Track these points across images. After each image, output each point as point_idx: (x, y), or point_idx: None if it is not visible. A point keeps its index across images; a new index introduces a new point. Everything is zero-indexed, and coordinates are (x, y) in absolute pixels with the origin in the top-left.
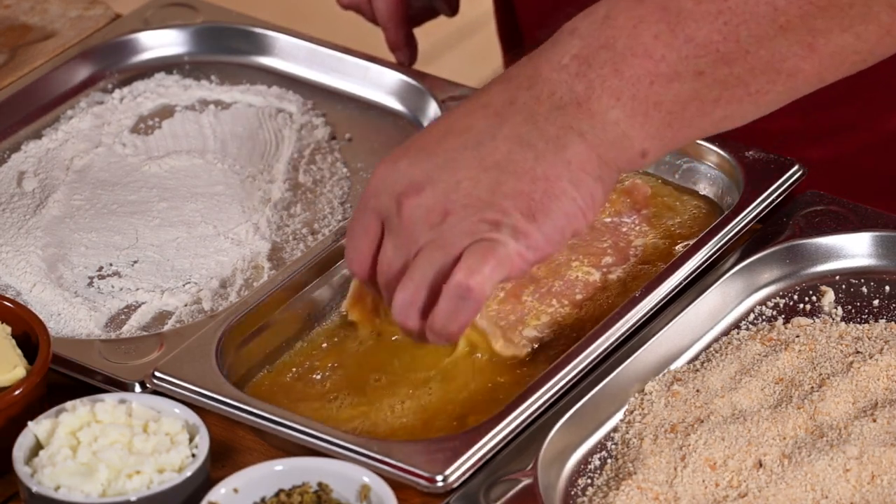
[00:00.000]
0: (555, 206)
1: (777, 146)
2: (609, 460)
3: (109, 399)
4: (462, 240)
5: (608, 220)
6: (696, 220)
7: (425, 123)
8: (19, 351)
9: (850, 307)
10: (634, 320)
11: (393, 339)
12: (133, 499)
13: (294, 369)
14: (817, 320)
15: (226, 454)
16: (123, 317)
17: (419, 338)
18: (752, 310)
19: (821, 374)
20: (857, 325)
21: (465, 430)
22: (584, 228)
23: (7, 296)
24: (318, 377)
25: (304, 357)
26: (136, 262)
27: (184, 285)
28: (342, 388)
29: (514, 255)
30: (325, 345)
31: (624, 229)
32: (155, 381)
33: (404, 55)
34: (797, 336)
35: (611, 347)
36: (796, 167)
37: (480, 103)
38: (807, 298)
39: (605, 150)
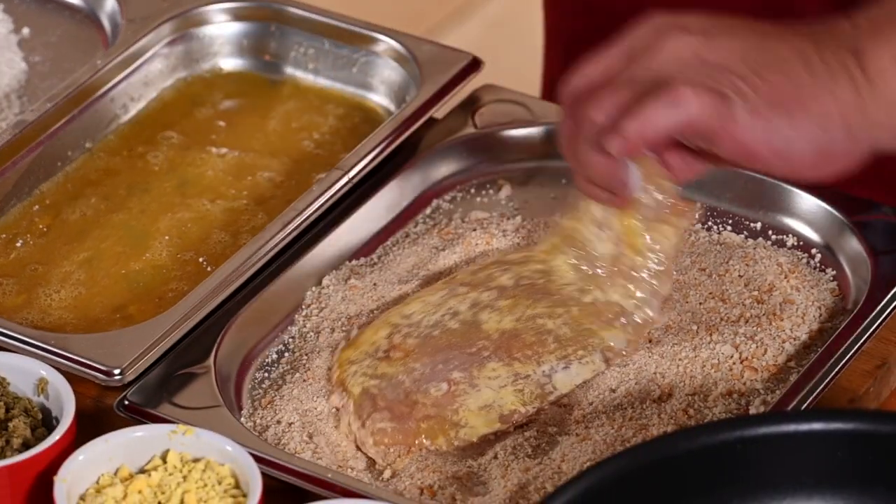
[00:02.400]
0: (799, 117)
1: None
2: (286, 353)
3: None
4: (702, 82)
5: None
6: (368, 116)
7: (102, 17)
8: None
9: (526, 200)
10: (309, 213)
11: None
12: None
13: None
14: (494, 214)
15: None
16: None
17: (594, 143)
18: (429, 203)
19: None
20: (534, 219)
21: (138, 322)
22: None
23: None
24: None
25: None
26: None
27: None
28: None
29: (736, 120)
30: None
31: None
32: None
33: None
34: (474, 230)
35: (287, 241)
36: (471, 59)
37: (773, 28)
38: (484, 192)
39: (873, 108)
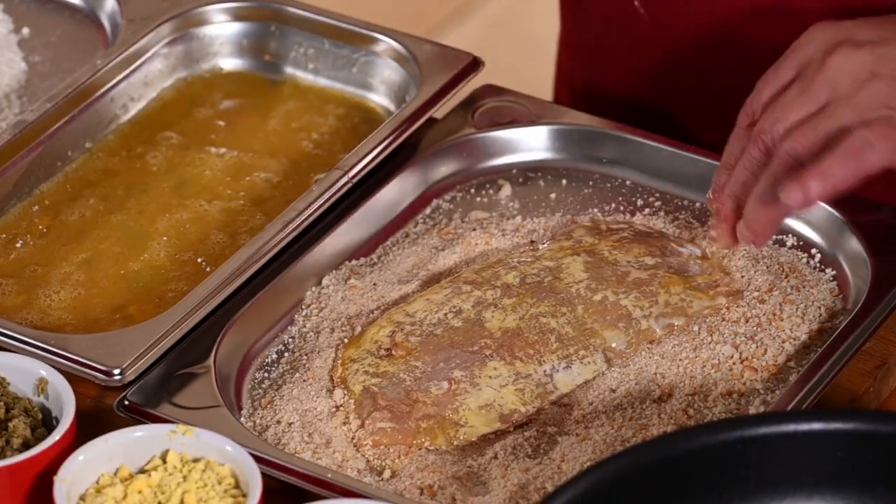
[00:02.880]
0: None
1: None
2: (286, 353)
3: None
4: (877, 109)
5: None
6: (368, 116)
7: (102, 17)
8: None
9: (526, 200)
10: (309, 214)
11: None
12: None
13: None
14: (494, 214)
15: None
16: None
17: (772, 182)
18: (429, 203)
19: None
20: (534, 219)
21: (138, 322)
22: None
23: None
24: None
25: None
26: None
27: None
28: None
29: None
30: None
31: None
32: None
33: None
34: (474, 230)
35: (287, 241)
36: (471, 59)
37: None
38: (484, 192)
39: None
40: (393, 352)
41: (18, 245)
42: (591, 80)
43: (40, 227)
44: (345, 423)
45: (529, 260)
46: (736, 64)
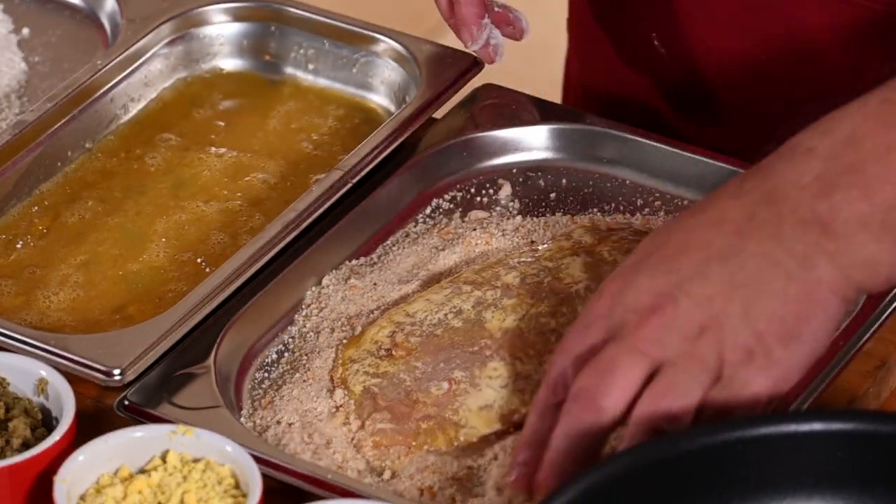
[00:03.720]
0: (806, 331)
1: None
2: (286, 353)
3: None
4: (716, 363)
5: None
6: (368, 116)
7: (102, 17)
8: None
9: (526, 200)
10: (309, 213)
11: None
12: None
13: None
14: (494, 213)
15: None
16: None
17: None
18: (429, 203)
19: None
20: (534, 218)
21: (138, 322)
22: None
23: None
24: None
25: None
26: None
27: None
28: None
29: (763, 394)
30: None
31: None
32: None
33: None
34: (474, 230)
35: (287, 241)
36: (472, 59)
37: (713, 219)
38: (484, 191)
39: (854, 272)
40: (393, 352)
41: (19, 246)
42: (606, 101)
43: (40, 227)
44: (345, 424)
45: (529, 260)
46: (754, 93)
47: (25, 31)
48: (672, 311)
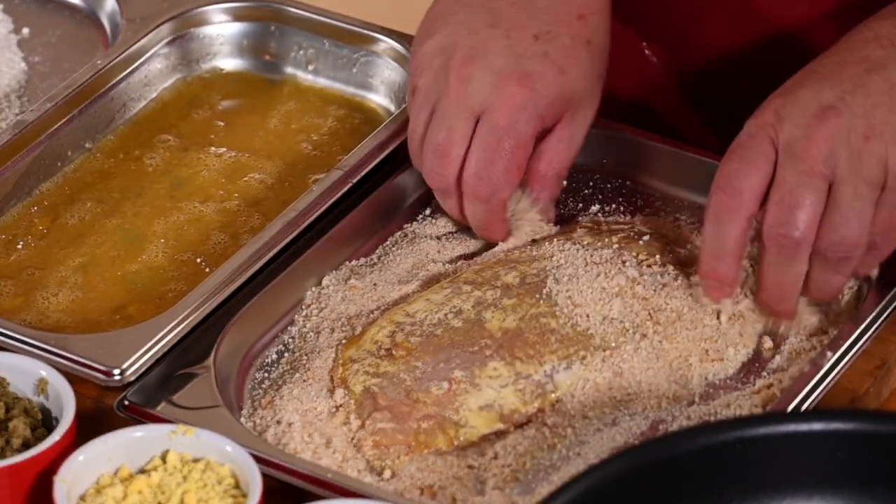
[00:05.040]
0: None
1: None
2: (286, 353)
3: None
4: (882, 170)
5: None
6: (368, 116)
7: (102, 17)
8: None
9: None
10: (309, 214)
11: None
12: None
13: None
14: None
15: None
16: None
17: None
18: (429, 203)
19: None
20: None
21: (138, 322)
22: None
23: None
24: None
25: None
26: None
27: None
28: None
29: None
30: None
31: None
32: None
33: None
34: None
35: (287, 241)
36: None
37: (867, 37)
38: None
39: None
40: (393, 352)
41: (19, 246)
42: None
43: (40, 227)
44: (345, 424)
45: (529, 260)
46: (744, 96)
47: (25, 31)
48: (836, 123)
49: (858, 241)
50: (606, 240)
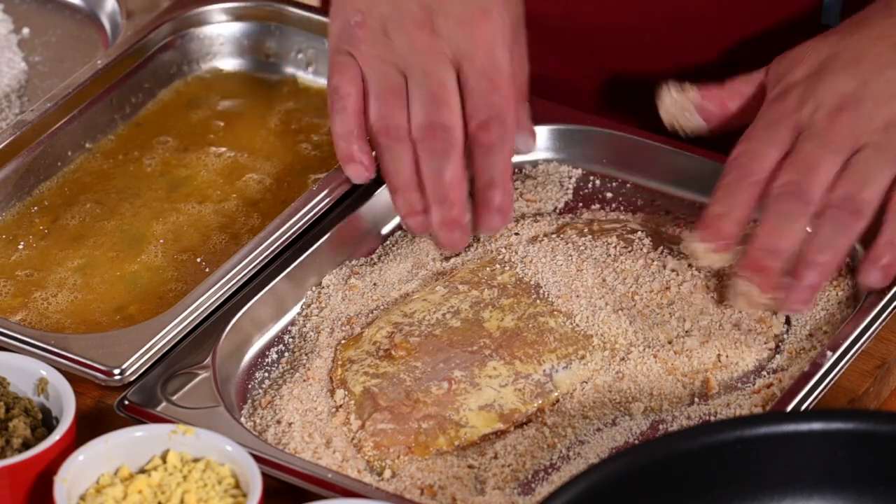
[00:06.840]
0: None
1: None
2: (286, 353)
3: None
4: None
5: None
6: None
7: (102, 17)
8: None
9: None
10: (309, 213)
11: None
12: None
13: None
14: None
15: None
16: None
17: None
18: None
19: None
20: (534, 219)
21: (138, 322)
22: None
23: None
24: None
25: None
26: None
27: None
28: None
29: None
30: None
31: None
32: None
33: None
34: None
35: (287, 241)
36: None
37: (874, 35)
38: None
39: None
40: (392, 352)
41: (20, 246)
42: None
43: (41, 227)
44: (345, 424)
45: (522, 258)
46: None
47: (25, 31)
48: (857, 110)
49: (870, 198)
50: (599, 238)
